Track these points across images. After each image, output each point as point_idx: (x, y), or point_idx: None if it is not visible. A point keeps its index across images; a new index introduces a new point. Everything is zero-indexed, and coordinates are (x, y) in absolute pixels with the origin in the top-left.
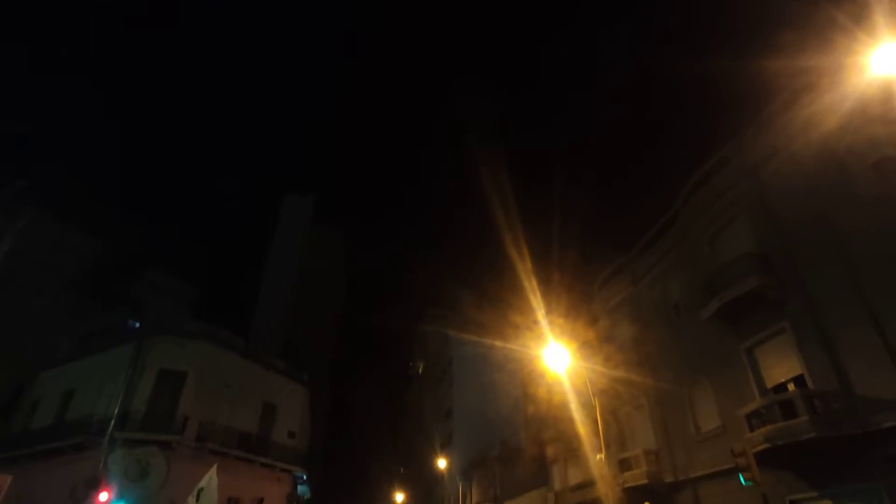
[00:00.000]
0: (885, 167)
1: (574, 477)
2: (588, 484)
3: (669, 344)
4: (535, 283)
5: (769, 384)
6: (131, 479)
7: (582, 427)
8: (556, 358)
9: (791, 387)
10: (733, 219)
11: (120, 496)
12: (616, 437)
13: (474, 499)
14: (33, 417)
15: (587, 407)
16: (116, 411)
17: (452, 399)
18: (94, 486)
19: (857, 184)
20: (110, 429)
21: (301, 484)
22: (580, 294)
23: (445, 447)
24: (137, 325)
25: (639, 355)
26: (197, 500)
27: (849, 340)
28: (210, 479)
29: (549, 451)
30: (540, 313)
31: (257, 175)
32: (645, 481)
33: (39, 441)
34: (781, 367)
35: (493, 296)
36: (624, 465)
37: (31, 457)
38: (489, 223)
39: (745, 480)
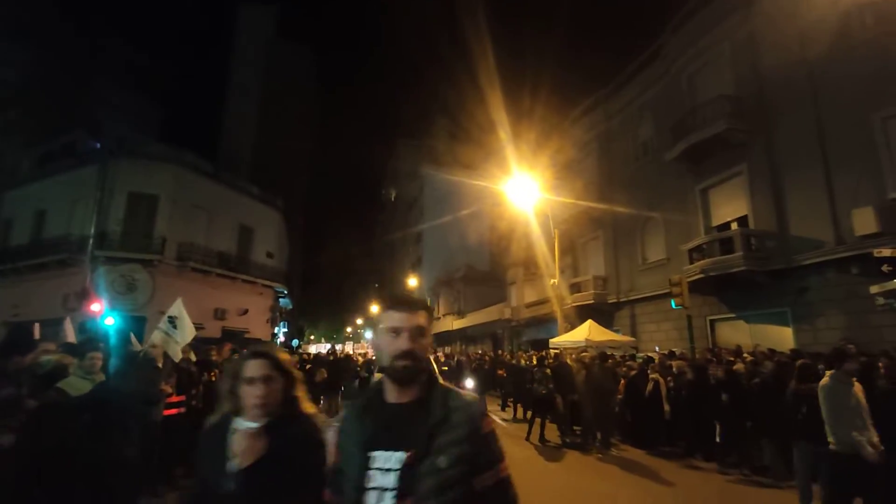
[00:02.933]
0: (886, 12)
1: (529, 296)
2: (542, 302)
3: (631, 182)
4: (505, 116)
5: (715, 223)
6: (119, 293)
7: (540, 254)
8: (522, 190)
9: (734, 226)
10: (718, 56)
11: (111, 307)
12: (571, 264)
13: (441, 311)
14: (9, 235)
15: (547, 236)
16: (93, 231)
17: (423, 226)
18: (85, 297)
19: (850, 30)
20: (90, 246)
21: (282, 297)
22: (551, 129)
23: (416, 268)
24: (98, 145)
25: (601, 191)
26: (173, 327)
27: (796, 186)
28: (180, 310)
29: (509, 274)
30: (509, 147)
31: None
32: (591, 301)
33: (21, 257)
34: (729, 207)
35: (466, 127)
36: (574, 287)
37: (15, 271)
38: (465, 53)
39: (675, 304)
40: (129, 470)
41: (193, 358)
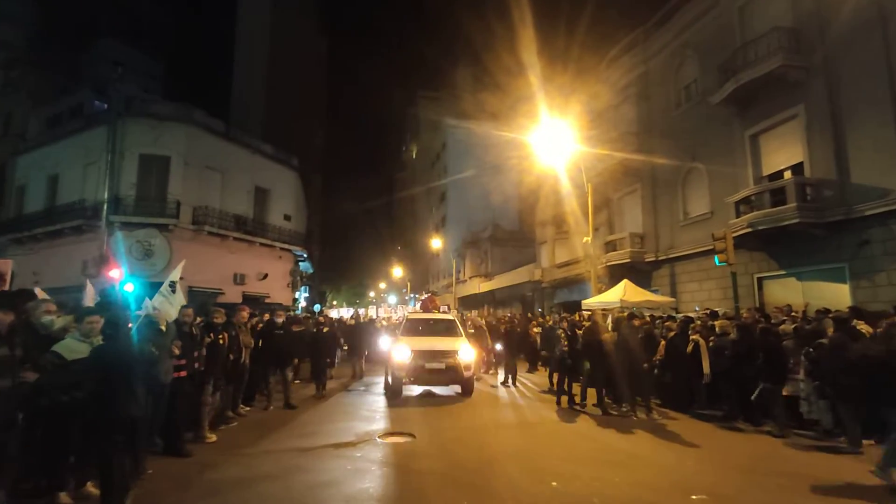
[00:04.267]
0: None
1: (561, 256)
2: (573, 262)
3: (673, 129)
4: (535, 58)
5: (765, 172)
6: (137, 259)
7: (572, 211)
8: (553, 142)
9: (788, 175)
10: None
11: (131, 273)
12: (605, 221)
13: (467, 273)
14: (23, 202)
15: (580, 191)
16: (107, 196)
17: (446, 183)
18: (103, 263)
19: None
20: (104, 212)
21: (302, 261)
22: (585, 72)
23: (439, 228)
24: (106, 106)
25: (639, 140)
26: (172, 291)
27: (860, 128)
28: (179, 271)
29: (539, 232)
30: (539, 93)
31: None
32: (627, 260)
33: (38, 224)
34: (783, 154)
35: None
36: (609, 246)
37: (32, 238)
38: None
39: (719, 261)
40: (133, 428)
41: (198, 320)
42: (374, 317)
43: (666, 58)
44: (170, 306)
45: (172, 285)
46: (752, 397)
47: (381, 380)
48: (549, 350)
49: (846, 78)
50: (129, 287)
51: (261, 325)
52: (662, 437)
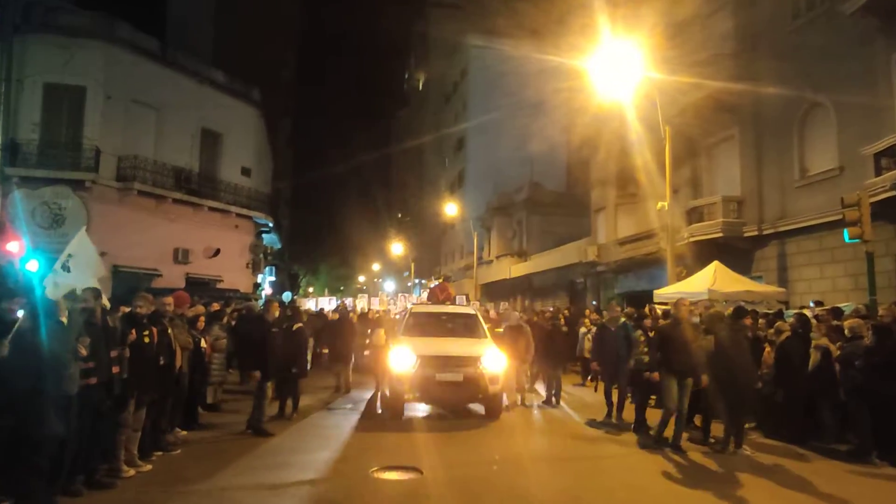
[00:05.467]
0: None
1: (625, 229)
2: (642, 237)
3: (787, 48)
4: None
5: None
6: (43, 227)
7: (643, 166)
8: (615, 67)
9: None
10: None
11: (34, 246)
12: (689, 179)
13: (493, 251)
14: None
15: (653, 137)
16: (0, 141)
17: (466, 125)
18: None
19: None
20: None
21: (266, 232)
22: None
23: (456, 188)
24: None
25: (738, 65)
26: (65, 270)
27: None
28: (80, 241)
29: (595, 195)
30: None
31: None
32: (719, 234)
33: None
34: None
35: None
36: (694, 215)
37: None
38: None
39: (849, 237)
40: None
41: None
42: (381, 309)
43: None
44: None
45: (66, 262)
46: None
47: (370, 395)
48: (604, 358)
49: None
50: (33, 265)
51: (235, 317)
52: (777, 482)
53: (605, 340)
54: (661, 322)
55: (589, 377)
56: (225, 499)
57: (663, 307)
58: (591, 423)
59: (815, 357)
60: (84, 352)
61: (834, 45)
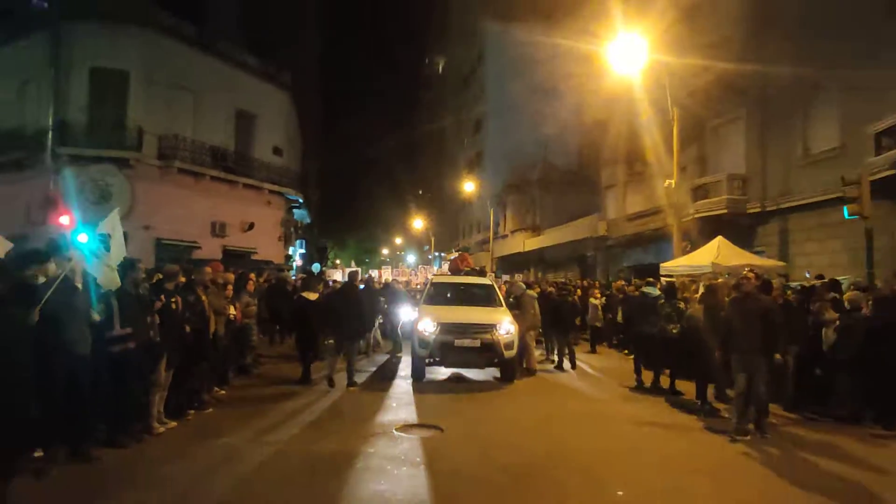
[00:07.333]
0: None
1: (634, 205)
2: (650, 213)
3: (796, 24)
4: None
5: None
6: (91, 202)
7: (651, 145)
8: (626, 50)
9: None
10: None
11: (84, 221)
12: (696, 158)
13: (508, 226)
14: None
15: (662, 118)
16: (51, 122)
17: (484, 108)
18: (51, 207)
19: None
20: (49, 142)
21: (297, 208)
22: None
23: (473, 167)
24: (46, 4)
25: (747, 45)
26: (105, 248)
27: None
28: (115, 225)
29: (605, 174)
30: None
31: None
32: (723, 211)
33: None
34: None
35: None
36: (700, 192)
37: None
38: None
39: (848, 214)
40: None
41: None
42: (391, 279)
43: None
44: (109, 270)
45: (105, 240)
46: None
47: (386, 358)
48: (638, 328)
49: None
50: (83, 238)
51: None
52: (774, 445)
53: (643, 309)
54: (689, 295)
55: (625, 350)
56: (254, 450)
57: (668, 279)
58: (607, 387)
59: (829, 331)
60: (96, 317)
61: (850, 16)
